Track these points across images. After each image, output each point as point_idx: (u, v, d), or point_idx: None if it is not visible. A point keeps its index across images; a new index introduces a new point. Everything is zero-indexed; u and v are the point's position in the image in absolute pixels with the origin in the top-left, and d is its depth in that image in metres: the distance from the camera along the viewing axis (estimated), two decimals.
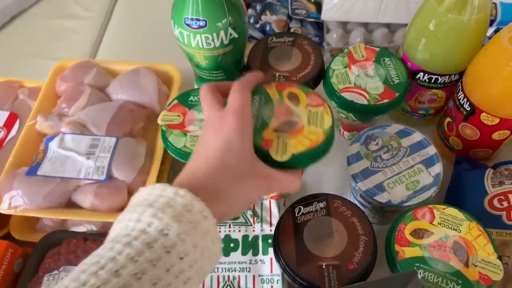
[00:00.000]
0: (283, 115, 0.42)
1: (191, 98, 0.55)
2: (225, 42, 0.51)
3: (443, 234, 0.44)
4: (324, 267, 0.42)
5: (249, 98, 0.40)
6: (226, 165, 0.35)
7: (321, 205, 0.46)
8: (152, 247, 0.29)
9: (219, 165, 0.35)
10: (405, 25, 0.59)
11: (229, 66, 0.56)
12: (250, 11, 0.85)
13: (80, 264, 0.29)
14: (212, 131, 0.37)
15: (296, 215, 0.45)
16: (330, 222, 0.45)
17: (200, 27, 0.49)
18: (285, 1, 0.90)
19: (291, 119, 0.42)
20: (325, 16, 0.79)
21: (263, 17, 0.89)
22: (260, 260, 0.52)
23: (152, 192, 0.32)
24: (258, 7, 0.89)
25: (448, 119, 0.57)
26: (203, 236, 0.31)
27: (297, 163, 0.40)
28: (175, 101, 0.55)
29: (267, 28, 0.83)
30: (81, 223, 0.55)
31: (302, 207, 0.46)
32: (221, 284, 0.50)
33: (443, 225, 0.45)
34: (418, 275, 0.35)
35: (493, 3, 0.68)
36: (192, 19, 0.49)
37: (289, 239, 0.44)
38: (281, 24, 0.85)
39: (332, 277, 0.41)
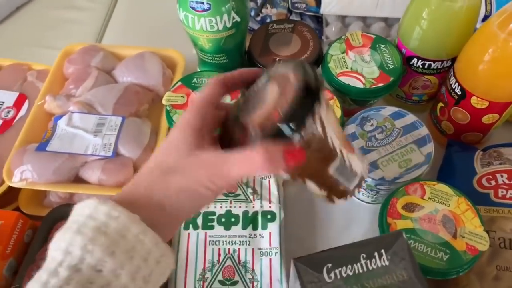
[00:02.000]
0: None
1: (195, 80, 0.58)
2: (228, 25, 0.53)
3: (433, 208, 0.47)
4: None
5: (212, 93, 0.34)
6: (164, 164, 0.31)
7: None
8: None
9: (158, 166, 0.31)
10: None
11: (231, 49, 0.58)
12: (251, 4, 0.87)
13: None
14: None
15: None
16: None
17: (205, 10, 0.52)
18: None
19: None
20: (324, 10, 0.81)
21: (263, 10, 0.91)
22: (259, 234, 0.54)
23: (83, 211, 0.28)
24: (259, 0, 0.91)
25: (440, 104, 0.60)
26: (144, 261, 0.28)
27: None
28: (180, 83, 0.58)
29: (267, 20, 0.86)
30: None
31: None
32: (222, 257, 0.53)
33: (433, 199, 0.47)
34: (404, 236, 0.38)
35: None
36: (197, 2, 0.52)
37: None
38: (281, 17, 0.87)
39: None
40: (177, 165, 0.31)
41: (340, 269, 0.38)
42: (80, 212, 0.28)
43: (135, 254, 0.27)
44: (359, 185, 0.37)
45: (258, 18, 0.86)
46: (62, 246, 0.27)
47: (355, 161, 0.35)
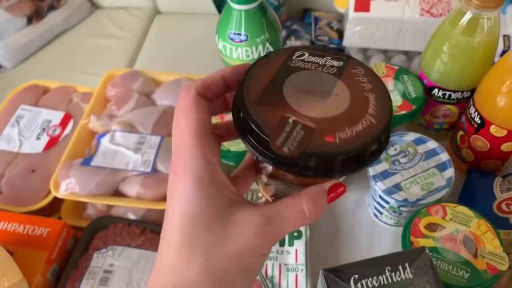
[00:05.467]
0: None
1: None
2: (262, 54, 0.58)
3: (454, 229, 0.49)
4: (290, 120, 0.26)
5: (202, 119, 0.27)
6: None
7: (335, 63, 0.30)
8: None
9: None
10: None
11: None
12: None
13: None
14: None
15: (294, 57, 0.29)
16: (334, 83, 0.29)
17: (242, 41, 0.57)
18: (309, 28, 0.98)
19: None
20: (346, 42, 0.85)
21: (288, 41, 0.97)
22: (286, 251, 0.57)
23: None
24: (284, 32, 0.97)
25: (461, 132, 0.63)
26: None
27: None
28: None
29: None
30: (123, 214, 0.62)
31: (307, 53, 0.30)
32: None
33: (454, 220, 0.50)
34: (426, 251, 0.40)
35: (507, 35, 0.75)
36: (235, 33, 0.57)
37: (264, 75, 0.28)
38: None
39: (294, 137, 0.26)
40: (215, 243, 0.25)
41: (366, 280, 0.41)
42: None
43: None
44: None
45: None
46: None
47: None
